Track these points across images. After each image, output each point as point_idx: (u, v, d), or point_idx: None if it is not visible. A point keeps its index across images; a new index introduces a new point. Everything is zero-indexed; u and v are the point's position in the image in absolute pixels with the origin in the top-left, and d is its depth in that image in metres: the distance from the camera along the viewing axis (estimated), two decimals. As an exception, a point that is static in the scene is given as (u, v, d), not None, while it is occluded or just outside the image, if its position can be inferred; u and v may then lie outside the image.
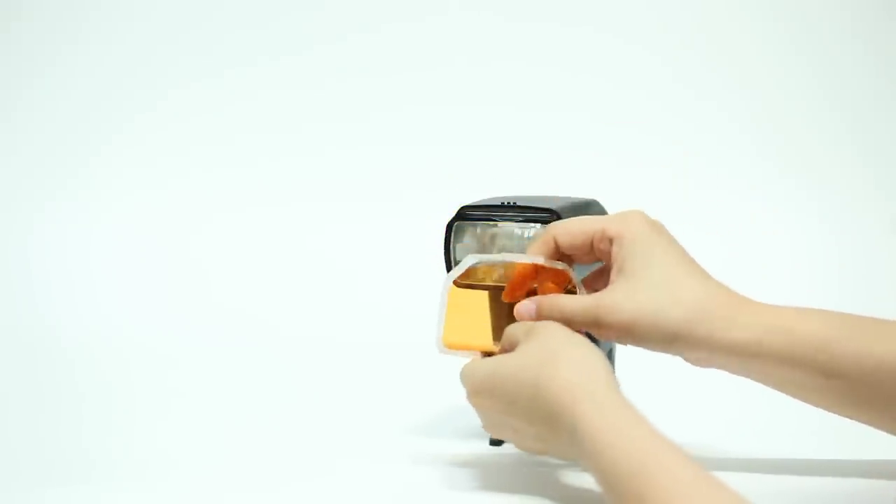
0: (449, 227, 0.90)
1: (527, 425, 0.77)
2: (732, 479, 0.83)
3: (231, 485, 0.86)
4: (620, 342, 0.83)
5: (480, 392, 0.80)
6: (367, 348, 1.30)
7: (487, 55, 1.67)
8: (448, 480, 0.85)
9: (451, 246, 0.90)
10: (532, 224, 0.88)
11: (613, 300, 0.81)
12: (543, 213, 0.89)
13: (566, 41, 1.67)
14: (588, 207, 0.94)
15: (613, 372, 0.76)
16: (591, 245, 0.83)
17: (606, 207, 0.98)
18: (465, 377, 0.81)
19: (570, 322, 0.82)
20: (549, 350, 0.77)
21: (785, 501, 0.81)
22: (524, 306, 0.83)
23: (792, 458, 0.90)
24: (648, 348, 0.83)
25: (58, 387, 1.18)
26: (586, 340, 0.79)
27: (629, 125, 1.65)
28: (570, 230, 0.84)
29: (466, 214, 0.90)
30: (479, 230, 0.89)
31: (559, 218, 0.88)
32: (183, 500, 0.83)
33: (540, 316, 0.83)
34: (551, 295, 0.83)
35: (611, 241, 0.82)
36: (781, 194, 1.62)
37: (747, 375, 0.83)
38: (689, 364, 0.84)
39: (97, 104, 1.63)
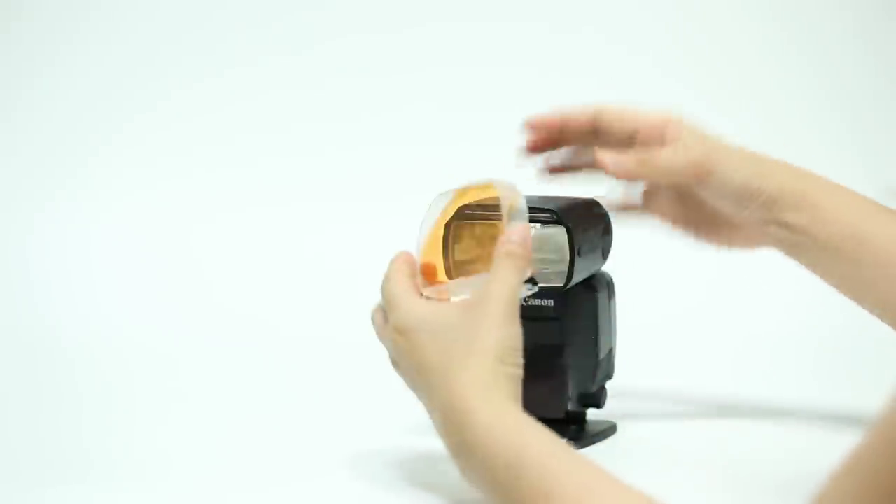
0: (448, 226, 0.90)
1: (425, 396, 0.77)
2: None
3: (231, 485, 0.86)
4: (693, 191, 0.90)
5: (405, 332, 0.78)
6: (366, 348, 1.30)
7: (487, 57, 1.67)
8: (446, 480, 0.85)
9: (451, 246, 0.90)
10: (532, 224, 0.88)
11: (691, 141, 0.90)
12: (543, 213, 0.89)
13: (564, 43, 1.67)
14: (588, 207, 0.94)
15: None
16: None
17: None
18: (398, 307, 0.79)
19: (672, 175, 0.88)
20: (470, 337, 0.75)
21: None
22: (617, 161, 0.88)
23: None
24: (721, 201, 0.90)
25: (58, 387, 1.18)
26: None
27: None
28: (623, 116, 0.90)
29: (466, 214, 0.90)
30: (478, 230, 0.89)
31: (559, 218, 0.88)
32: (183, 500, 0.83)
33: (635, 173, 0.88)
34: (643, 155, 0.89)
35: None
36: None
37: (820, 263, 0.90)
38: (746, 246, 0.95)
39: (97, 104, 1.63)
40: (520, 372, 0.74)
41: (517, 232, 0.78)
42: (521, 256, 0.77)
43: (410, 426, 1.00)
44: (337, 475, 0.88)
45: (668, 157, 0.88)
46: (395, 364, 0.81)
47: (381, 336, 0.81)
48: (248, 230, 1.57)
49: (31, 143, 1.62)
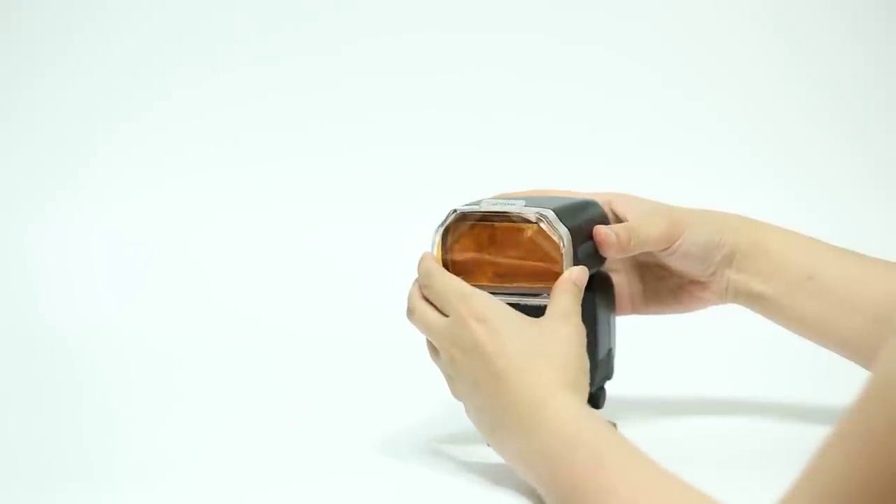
0: (447, 229, 0.90)
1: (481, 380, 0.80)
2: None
3: (231, 485, 0.86)
4: (661, 261, 0.94)
5: (486, 319, 0.81)
6: (366, 348, 1.30)
7: (486, 62, 1.67)
8: (445, 480, 0.85)
9: (450, 245, 0.90)
10: (530, 223, 0.88)
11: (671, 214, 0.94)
12: (541, 214, 0.89)
13: (560, 49, 1.67)
14: (587, 207, 0.94)
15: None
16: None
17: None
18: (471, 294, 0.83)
19: (649, 245, 0.91)
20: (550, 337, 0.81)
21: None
22: (606, 233, 0.89)
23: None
24: (687, 262, 0.93)
25: (58, 387, 1.18)
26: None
27: (630, 129, 1.66)
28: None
29: (464, 214, 0.89)
30: (476, 231, 0.89)
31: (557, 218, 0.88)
32: (183, 500, 0.83)
33: (622, 245, 0.90)
34: (624, 224, 0.91)
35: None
36: (781, 196, 1.62)
37: (782, 309, 0.94)
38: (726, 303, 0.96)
39: (97, 104, 1.63)
40: (588, 392, 0.82)
41: (581, 276, 0.86)
42: (579, 295, 0.85)
43: (409, 426, 1.00)
44: (336, 475, 0.88)
45: (646, 229, 0.91)
46: (455, 345, 0.82)
47: (445, 324, 0.83)
48: (249, 230, 1.57)
49: (31, 143, 1.62)
